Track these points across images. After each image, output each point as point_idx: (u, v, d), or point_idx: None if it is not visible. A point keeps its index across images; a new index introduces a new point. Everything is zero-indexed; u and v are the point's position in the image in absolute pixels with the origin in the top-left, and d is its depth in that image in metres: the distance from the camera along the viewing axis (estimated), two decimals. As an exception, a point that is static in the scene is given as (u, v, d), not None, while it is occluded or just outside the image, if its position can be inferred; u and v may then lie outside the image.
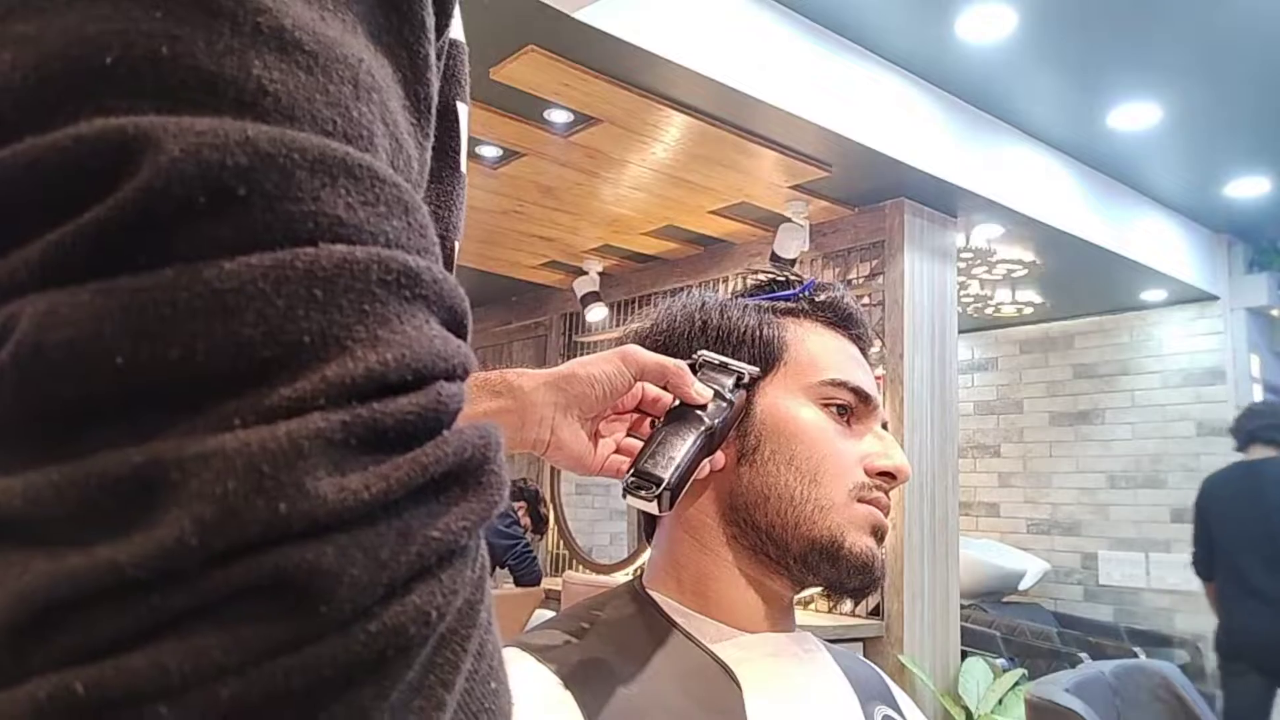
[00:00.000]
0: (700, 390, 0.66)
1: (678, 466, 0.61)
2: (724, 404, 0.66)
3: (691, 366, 0.68)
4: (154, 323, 0.18)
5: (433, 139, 0.29)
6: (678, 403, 0.66)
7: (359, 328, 0.20)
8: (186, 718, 0.17)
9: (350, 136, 0.22)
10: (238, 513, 0.18)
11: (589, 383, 0.63)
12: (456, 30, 0.35)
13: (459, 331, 0.24)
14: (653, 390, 0.66)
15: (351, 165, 0.21)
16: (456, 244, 0.37)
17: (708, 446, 0.64)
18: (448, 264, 0.35)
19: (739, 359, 0.71)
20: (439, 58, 0.31)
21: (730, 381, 0.68)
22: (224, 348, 0.19)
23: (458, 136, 0.36)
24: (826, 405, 0.71)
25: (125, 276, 0.19)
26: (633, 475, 0.61)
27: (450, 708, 0.21)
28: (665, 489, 0.60)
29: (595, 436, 0.66)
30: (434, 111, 0.29)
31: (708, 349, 0.72)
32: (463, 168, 0.36)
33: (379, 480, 0.20)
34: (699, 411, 0.64)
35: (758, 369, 0.70)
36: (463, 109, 0.36)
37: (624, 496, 0.62)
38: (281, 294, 0.19)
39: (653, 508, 0.60)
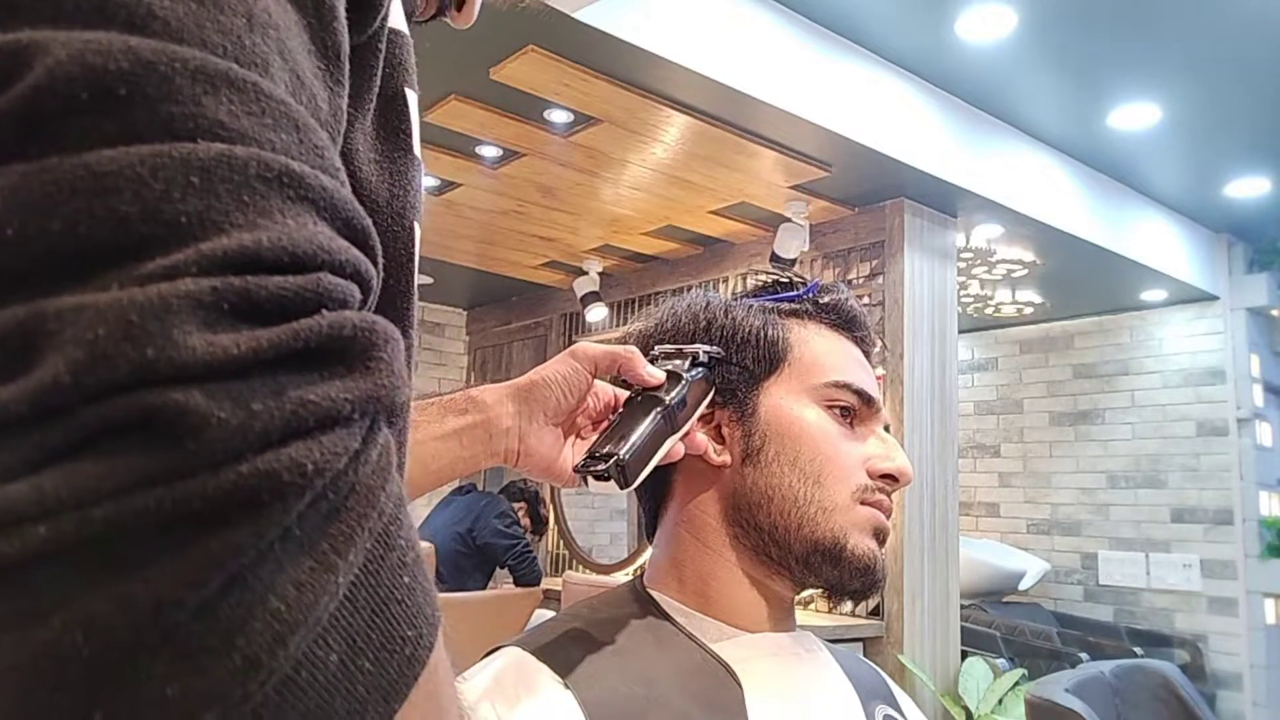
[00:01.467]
0: (652, 372, 0.66)
1: (633, 442, 0.61)
2: (681, 382, 0.66)
3: (651, 360, 0.68)
4: (39, 199, 0.20)
5: (347, 87, 0.30)
6: (639, 394, 0.66)
7: (237, 214, 0.22)
8: (62, 538, 0.19)
9: (242, 63, 0.24)
10: (108, 356, 0.20)
11: (546, 386, 0.65)
12: (397, 20, 0.37)
13: (362, 248, 0.26)
14: (606, 391, 0.68)
15: (235, 79, 0.23)
16: (416, 224, 0.38)
17: (669, 424, 0.64)
18: (408, 244, 0.37)
19: (743, 359, 0.71)
20: (380, 45, 0.34)
21: (686, 363, 0.68)
22: (103, 223, 0.21)
23: (409, 120, 0.38)
24: (830, 407, 0.71)
25: (17, 164, 0.21)
26: (586, 456, 0.62)
27: (342, 573, 0.22)
28: (617, 463, 0.60)
29: (572, 446, 0.67)
30: (345, 60, 0.30)
31: (709, 349, 0.72)
32: (415, 151, 0.38)
33: (250, 340, 0.21)
34: (656, 393, 0.65)
35: (719, 349, 0.70)
36: (411, 95, 0.38)
37: (583, 482, 0.62)
38: (159, 178, 0.21)
39: (611, 486, 0.60)
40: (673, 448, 0.65)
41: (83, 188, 0.21)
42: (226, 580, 0.20)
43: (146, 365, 0.20)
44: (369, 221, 0.27)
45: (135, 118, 0.22)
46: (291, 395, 0.22)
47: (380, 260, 0.28)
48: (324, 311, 0.23)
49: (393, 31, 0.36)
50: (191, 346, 0.20)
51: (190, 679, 0.20)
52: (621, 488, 0.61)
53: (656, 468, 0.73)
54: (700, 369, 0.68)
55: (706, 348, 0.69)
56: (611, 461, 0.60)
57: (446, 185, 3.45)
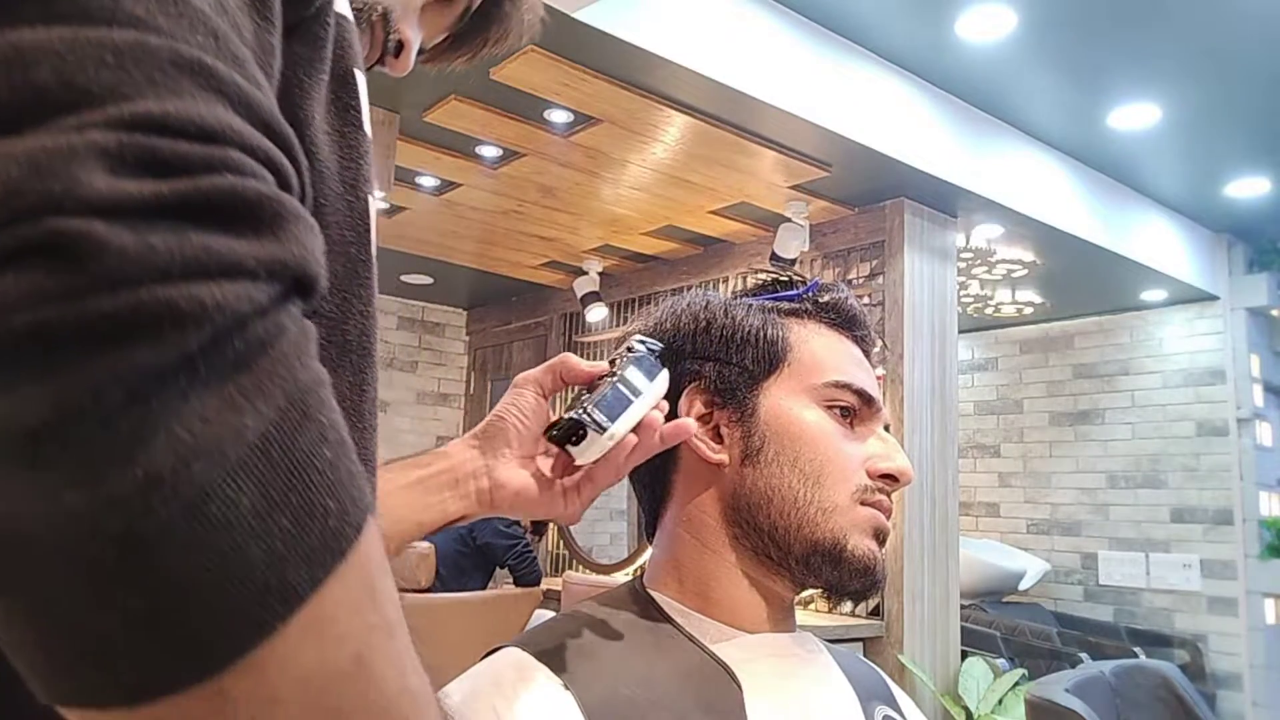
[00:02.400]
0: (591, 363, 0.66)
1: (592, 398, 0.62)
2: (623, 360, 0.65)
3: (626, 352, 0.67)
4: None
5: (279, 27, 0.33)
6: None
7: (147, 89, 0.24)
8: None
9: None
10: (19, 191, 0.22)
11: (500, 420, 0.66)
12: (342, 6, 0.40)
13: (283, 150, 0.28)
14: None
15: None
16: (370, 199, 0.41)
17: (627, 388, 0.63)
18: (364, 214, 0.40)
19: (743, 359, 0.71)
20: (328, 19, 0.38)
21: (630, 346, 0.67)
22: (21, 91, 0.23)
23: (359, 99, 0.41)
24: (830, 407, 0.71)
25: None
26: (549, 425, 0.64)
27: (250, 418, 0.24)
28: (583, 409, 0.61)
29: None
30: (275, 4, 0.33)
31: (711, 348, 0.72)
32: (366, 128, 0.41)
33: (152, 187, 0.23)
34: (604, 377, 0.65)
35: (658, 343, 0.69)
36: (360, 76, 0.41)
37: (560, 447, 0.63)
38: (74, 54, 0.24)
39: (589, 440, 0.61)
40: (647, 414, 0.64)
41: (3, 59, 0.23)
42: (127, 396, 0.22)
43: (52, 198, 0.22)
44: (290, 133, 0.28)
45: (57, 7, 0.24)
46: (193, 240, 0.24)
47: (305, 174, 0.30)
48: (228, 175, 0.25)
49: (340, 15, 0.40)
50: (95, 185, 0.23)
51: (92, 486, 0.22)
52: (600, 431, 0.60)
53: (657, 469, 0.72)
54: (643, 353, 0.67)
55: (646, 339, 0.69)
56: (574, 412, 0.61)
57: (446, 185, 3.45)
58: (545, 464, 0.65)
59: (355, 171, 0.40)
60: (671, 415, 0.71)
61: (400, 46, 0.60)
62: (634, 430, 0.63)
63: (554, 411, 0.67)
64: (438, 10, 0.63)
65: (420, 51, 0.66)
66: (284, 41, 0.36)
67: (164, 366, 0.23)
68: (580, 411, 0.61)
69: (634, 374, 0.64)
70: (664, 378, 0.67)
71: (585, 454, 0.62)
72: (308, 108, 0.37)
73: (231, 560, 0.23)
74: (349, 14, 0.41)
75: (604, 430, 0.60)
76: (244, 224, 0.25)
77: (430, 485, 0.64)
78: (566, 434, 0.61)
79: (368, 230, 0.40)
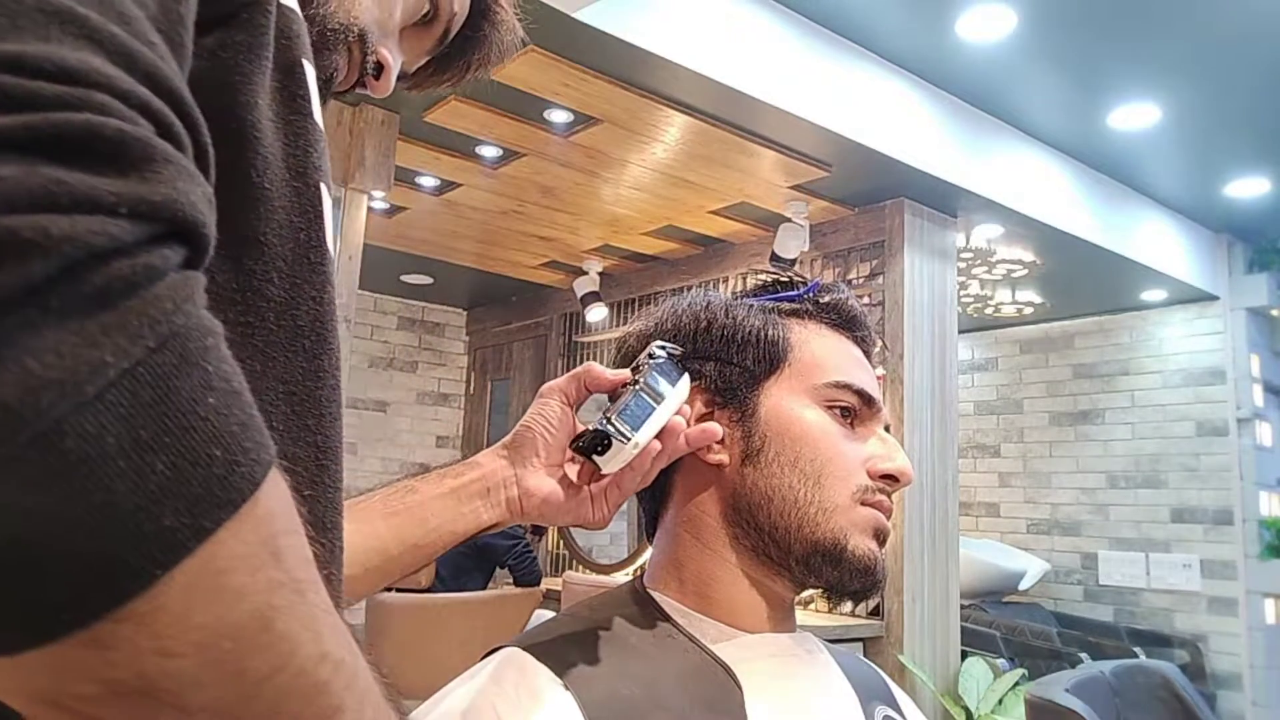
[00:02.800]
0: (614, 371, 0.68)
1: (615, 407, 0.63)
2: (644, 367, 0.67)
3: (646, 358, 0.68)
4: None
5: (192, 3, 0.32)
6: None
7: (10, 33, 0.24)
8: None
9: None
10: None
11: (527, 430, 0.67)
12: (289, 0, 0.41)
13: (172, 106, 0.27)
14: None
15: None
16: (323, 185, 0.41)
17: (649, 395, 0.65)
18: (314, 200, 0.40)
19: (743, 359, 0.71)
20: (269, 8, 0.38)
21: (651, 352, 0.68)
22: None
23: (307, 88, 0.41)
24: (830, 407, 0.71)
25: None
26: (573, 439, 0.65)
27: (109, 354, 0.24)
28: (605, 418, 0.62)
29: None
30: None
31: (712, 348, 0.72)
32: (315, 117, 0.41)
33: (2, 119, 0.23)
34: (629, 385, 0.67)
35: (677, 346, 0.70)
36: (308, 67, 0.42)
37: (586, 458, 0.64)
38: None
39: (615, 449, 0.62)
40: (670, 419, 0.66)
41: None
42: None
43: None
44: (186, 95, 0.28)
45: None
46: (43, 172, 0.23)
47: (204, 137, 0.29)
48: (88, 114, 0.24)
49: (286, 8, 0.40)
50: None
51: None
52: (624, 440, 0.62)
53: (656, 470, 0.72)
54: (664, 359, 0.68)
55: (667, 344, 0.70)
56: (598, 423, 0.62)
57: (446, 185, 3.45)
58: (572, 471, 0.67)
59: (303, 159, 0.40)
60: None
61: (380, 68, 0.61)
62: (658, 436, 0.65)
63: (579, 421, 0.69)
64: (417, 33, 0.64)
65: (404, 75, 0.67)
66: (224, 29, 0.36)
67: (7, 295, 0.22)
68: (604, 422, 0.62)
69: (656, 380, 0.66)
70: (685, 382, 0.68)
71: (611, 463, 0.63)
72: (249, 93, 0.37)
73: (95, 498, 0.23)
74: (295, 7, 0.42)
75: (628, 440, 0.62)
76: (104, 162, 0.24)
77: (463, 495, 0.66)
78: (592, 445, 0.63)
79: (319, 217, 0.41)
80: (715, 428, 0.68)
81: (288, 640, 0.27)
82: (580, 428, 0.67)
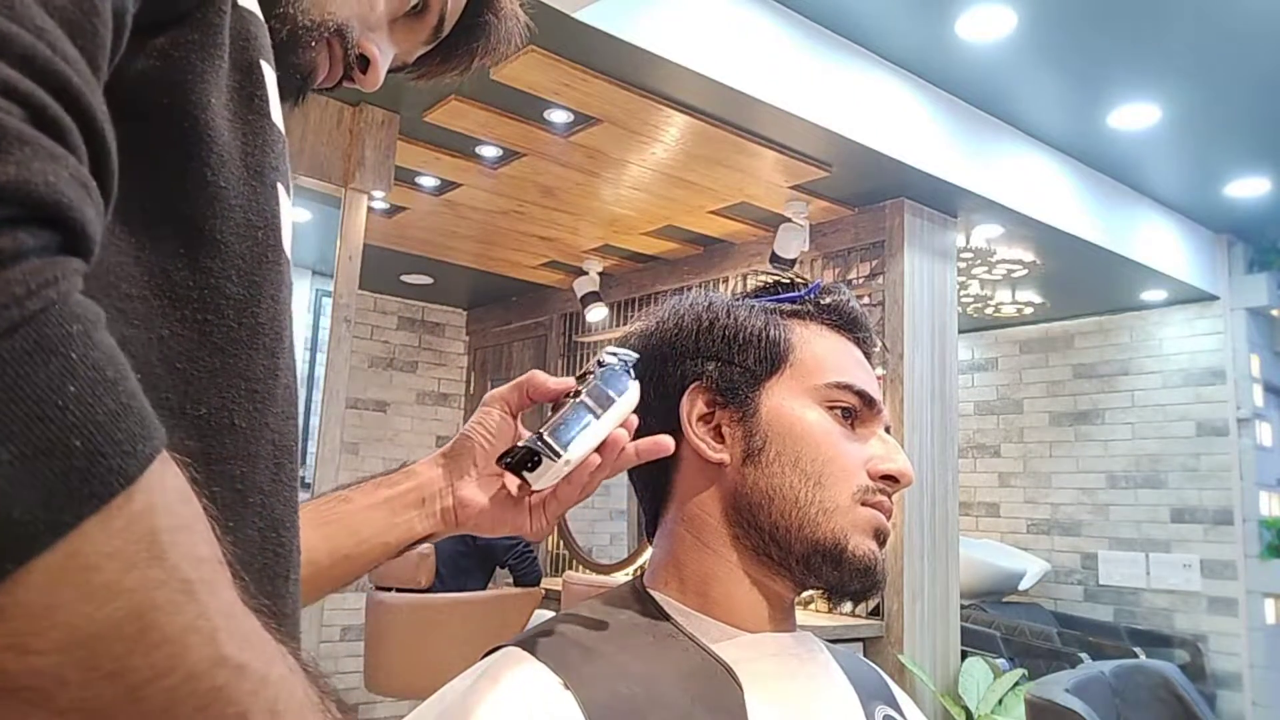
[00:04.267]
0: (558, 380, 0.66)
1: (550, 422, 0.61)
2: (590, 376, 0.64)
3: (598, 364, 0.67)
4: None
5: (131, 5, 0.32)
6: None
7: None
8: None
9: None
10: None
11: (466, 439, 0.66)
12: (248, 1, 0.41)
13: (53, 91, 0.26)
14: None
15: None
16: (280, 185, 0.42)
17: (590, 407, 0.62)
18: (271, 200, 0.41)
19: (745, 359, 0.71)
20: (224, 8, 0.38)
21: (601, 359, 0.66)
22: None
23: (264, 89, 0.41)
24: (831, 408, 0.71)
25: None
26: (503, 452, 0.63)
27: None
28: (537, 437, 0.60)
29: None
30: None
31: (714, 348, 0.72)
32: (274, 118, 0.42)
33: None
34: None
35: (630, 353, 0.68)
36: (267, 68, 0.42)
37: (515, 474, 0.62)
38: None
39: (545, 467, 0.60)
40: (612, 433, 0.63)
41: None
42: None
43: None
44: (76, 82, 0.27)
45: None
46: None
47: (102, 128, 0.28)
48: None
49: (244, 9, 0.41)
50: None
51: None
52: (555, 457, 0.59)
53: (657, 468, 0.72)
54: (614, 366, 0.66)
55: (619, 350, 0.68)
56: (528, 439, 0.60)
57: (446, 185, 3.45)
58: (511, 484, 0.66)
59: (261, 158, 0.40)
60: (674, 415, 0.72)
61: (366, 62, 0.60)
62: (599, 449, 0.62)
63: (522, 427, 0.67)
64: (409, 25, 0.63)
65: (403, 67, 0.67)
66: (177, 28, 0.36)
67: None
68: (535, 438, 0.60)
69: (598, 392, 0.63)
70: (633, 391, 0.65)
71: (541, 480, 0.61)
72: (201, 91, 0.37)
73: None
74: (255, 9, 0.42)
75: (559, 457, 0.60)
76: None
77: (397, 505, 0.64)
78: (522, 461, 0.61)
79: (276, 217, 0.41)
80: (666, 440, 0.66)
81: (174, 643, 0.26)
82: (524, 435, 0.65)
